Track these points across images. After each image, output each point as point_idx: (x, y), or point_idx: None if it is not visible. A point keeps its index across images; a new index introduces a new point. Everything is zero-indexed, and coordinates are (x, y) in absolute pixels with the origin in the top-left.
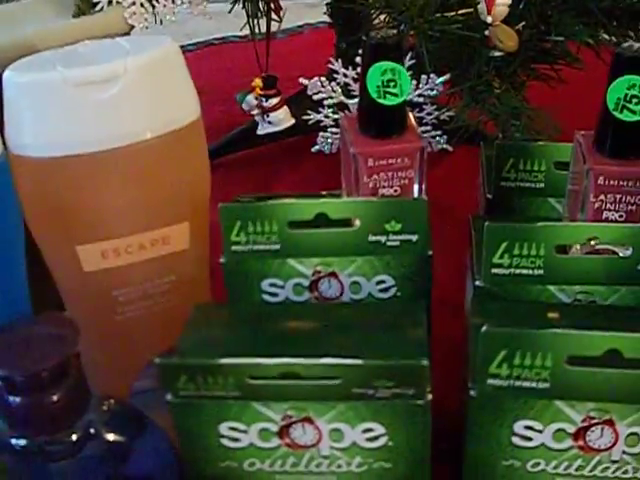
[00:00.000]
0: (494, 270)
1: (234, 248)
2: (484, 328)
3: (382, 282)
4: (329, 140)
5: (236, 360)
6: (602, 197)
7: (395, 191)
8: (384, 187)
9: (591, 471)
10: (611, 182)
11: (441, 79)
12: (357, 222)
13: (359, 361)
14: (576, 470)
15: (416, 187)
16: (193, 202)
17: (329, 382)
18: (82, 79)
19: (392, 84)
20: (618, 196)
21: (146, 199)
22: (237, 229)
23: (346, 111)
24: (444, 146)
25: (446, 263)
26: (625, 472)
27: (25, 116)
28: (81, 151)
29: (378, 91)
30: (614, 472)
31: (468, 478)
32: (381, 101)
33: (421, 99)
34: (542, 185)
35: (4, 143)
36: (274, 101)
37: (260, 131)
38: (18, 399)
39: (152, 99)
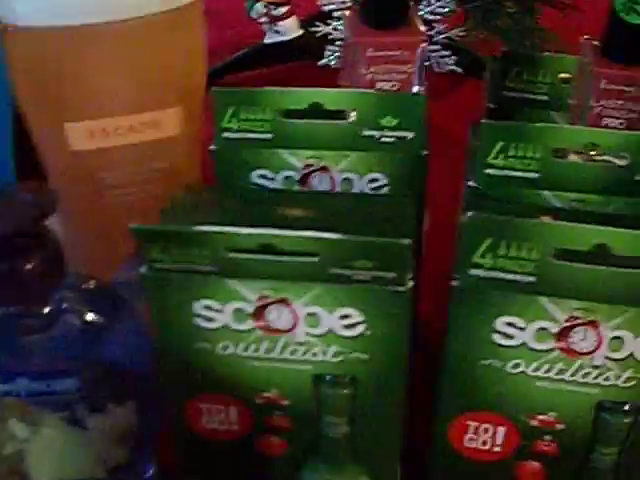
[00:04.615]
0: (488, 170)
1: (225, 135)
2: (469, 214)
3: (375, 180)
4: (337, 54)
5: (212, 228)
6: (604, 102)
7: (393, 86)
8: (382, 81)
9: (572, 376)
10: (614, 86)
11: None
12: (352, 116)
13: (337, 235)
14: (556, 374)
15: (416, 86)
16: (187, 87)
17: (307, 259)
18: None
19: None
20: (620, 102)
21: (138, 79)
22: (229, 115)
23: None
24: (453, 67)
25: (445, 191)
26: (606, 379)
27: None
28: (74, 22)
29: None
30: (595, 378)
31: (447, 377)
32: None
33: (432, 17)
34: (546, 98)
35: None
36: (283, 10)
37: (267, 40)
38: None
39: None
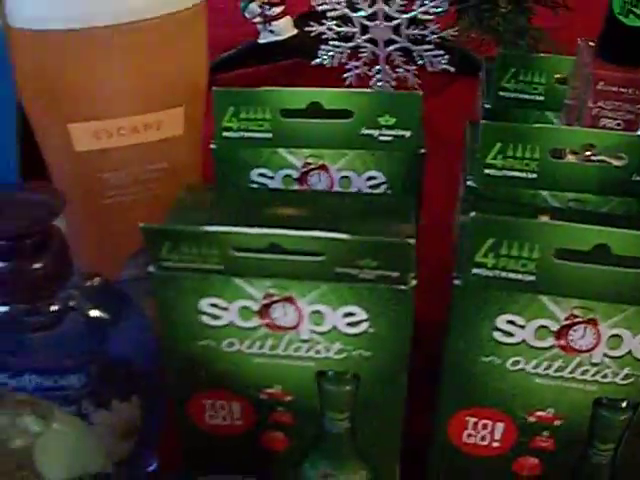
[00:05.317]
0: (487, 171)
1: (226, 134)
2: (472, 214)
3: (373, 178)
4: (330, 53)
5: (221, 228)
6: (601, 103)
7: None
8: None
9: (571, 373)
10: (610, 88)
11: None
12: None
13: (344, 236)
14: (555, 371)
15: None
16: (189, 88)
17: (313, 258)
18: None
19: None
20: (617, 103)
21: (141, 81)
22: (229, 114)
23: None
24: (445, 66)
25: (438, 189)
26: (604, 376)
27: None
28: (79, 25)
29: None
30: (593, 375)
31: (447, 373)
32: None
33: (426, 16)
34: (542, 98)
35: (4, 16)
36: (277, 10)
37: (261, 39)
38: None
39: None
